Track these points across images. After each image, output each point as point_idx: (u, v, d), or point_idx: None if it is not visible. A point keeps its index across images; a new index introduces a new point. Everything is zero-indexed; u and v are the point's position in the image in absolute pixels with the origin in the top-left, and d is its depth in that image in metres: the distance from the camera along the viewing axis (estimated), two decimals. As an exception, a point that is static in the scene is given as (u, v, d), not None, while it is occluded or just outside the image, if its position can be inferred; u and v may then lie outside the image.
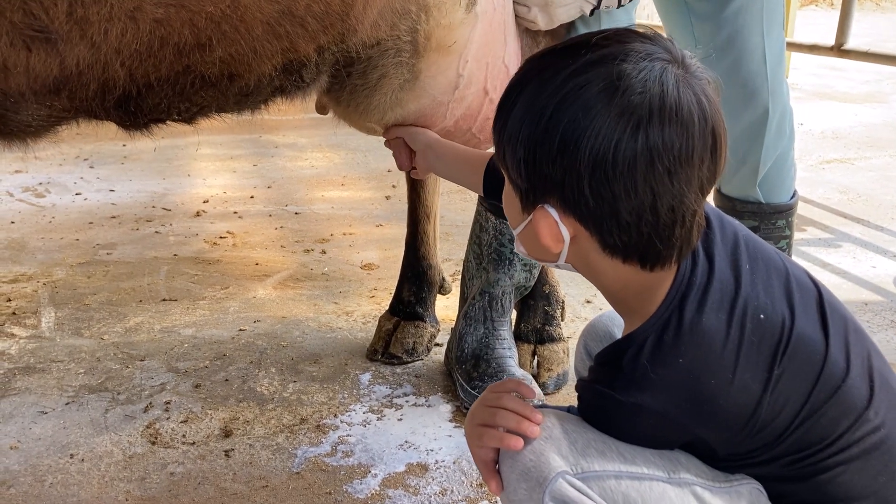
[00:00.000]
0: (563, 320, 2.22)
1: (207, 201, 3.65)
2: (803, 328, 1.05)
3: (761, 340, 1.03)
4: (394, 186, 3.91)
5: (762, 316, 1.04)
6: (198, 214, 3.47)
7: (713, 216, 1.12)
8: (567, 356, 2.15)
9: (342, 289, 2.72)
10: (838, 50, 4.02)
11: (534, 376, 2.09)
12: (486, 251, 2.03)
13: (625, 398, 1.04)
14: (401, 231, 3.28)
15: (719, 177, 1.02)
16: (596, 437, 1.06)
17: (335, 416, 1.97)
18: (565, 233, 1.04)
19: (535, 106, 1.01)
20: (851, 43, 4.04)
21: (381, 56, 1.49)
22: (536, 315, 2.18)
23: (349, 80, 1.52)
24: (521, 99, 1.04)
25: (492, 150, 1.25)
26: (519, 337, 2.17)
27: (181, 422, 1.94)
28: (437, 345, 2.30)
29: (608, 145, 0.96)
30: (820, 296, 1.10)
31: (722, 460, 1.09)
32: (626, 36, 1.02)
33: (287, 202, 3.67)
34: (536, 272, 2.07)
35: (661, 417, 1.03)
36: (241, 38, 1.23)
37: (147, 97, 1.26)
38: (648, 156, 0.95)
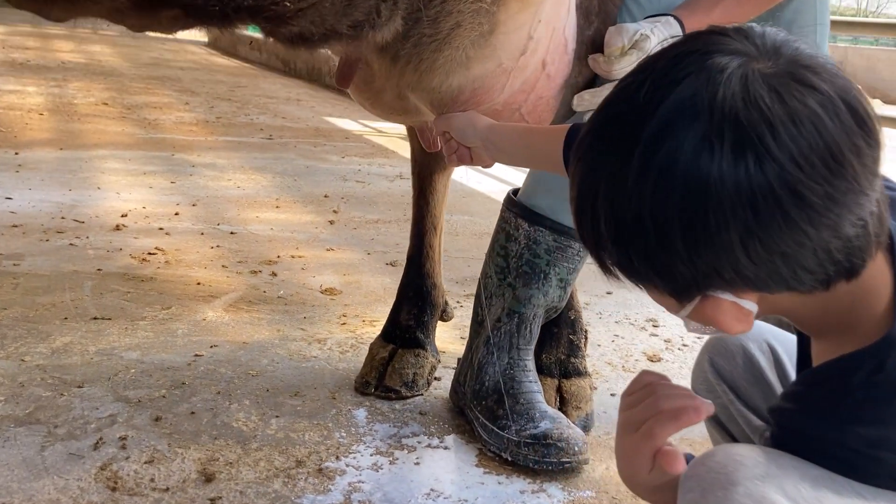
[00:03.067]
0: (585, 352, 1.95)
1: (126, 215, 3.20)
2: None
3: None
4: (335, 211, 3.57)
5: None
6: (117, 228, 3.02)
7: None
8: (592, 393, 1.88)
9: (305, 314, 2.36)
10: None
11: (560, 415, 1.80)
12: (515, 264, 1.74)
13: (863, 430, 0.80)
14: (356, 256, 2.97)
15: (882, 144, 0.77)
16: (822, 474, 0.81)
17: (337, 458, 1.61)
18: (750, 305, 0.80)
19: (625, 211, 0.77)
20: None
21: (458, 0, 1.21)
22: (560, 345, 1.90)
23: (417, 27, 1.22)
24: (602, 215, 0.79)
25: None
26: (540, 370, 1.88)
27: (145, 462, 1.53)
28: (436, 378, 1.98)
29: (742, 206, 0.72)
30: None
31: None
32: (683, 55, 0.78)
33: (218, 221, 3.27)
34: (570, 291, 1.80)
35: None
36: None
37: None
38: (792, 191, 0.72)
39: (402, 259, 2.92)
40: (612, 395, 2.02)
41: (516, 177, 4.61)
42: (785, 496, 0.77)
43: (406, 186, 4.29)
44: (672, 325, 2.55)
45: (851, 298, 0.82)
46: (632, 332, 2.46)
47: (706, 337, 2.48)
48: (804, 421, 0.84)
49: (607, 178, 0.78)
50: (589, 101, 1.49)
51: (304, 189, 3.96)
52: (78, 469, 1.49)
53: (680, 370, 2.22)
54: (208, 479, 1.49)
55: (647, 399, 0.87)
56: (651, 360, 2.27)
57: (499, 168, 4.70)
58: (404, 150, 5.25)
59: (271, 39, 1.09)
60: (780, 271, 0.75)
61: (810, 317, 0.86)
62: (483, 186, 4.29)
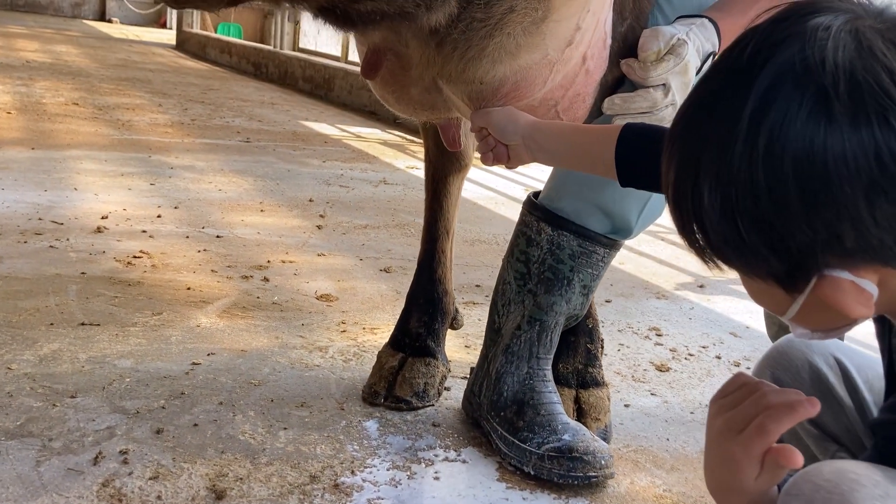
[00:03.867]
0: (602, 361, 1.88)
1: (107, 217, 3.08)
2: None
3: None
4: (322, 216, 3.48)
5: None
6: (99, 230, 2.90)
7: None
8: (611, 403, 1.82)
9: (304, 321, 2.27)
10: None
11: (578, 427, 1.73)
12: (537, 269, 1.66)
13: None
14: (348, 262, 2.88)
15: None
16: None
17: (353, 472, 1.53)
18: (870, 286, 0.74)
19: (734, 178, 0.72)
20: None
21: None
22: (578, 354, 1.83)
23: (467, 12, 1.15)
24: (706, 187, 0.74)
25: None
26: (557, 380, 1.80)
27: (150, 478, 1.43)
28: (446, 388, 1.90)
29: (867, 160, 0.68)
30: None
31: None
32: (781, 20, 0.75)
33: (203, 224, 3.16)
34: (591, 298, 1.73)
35: None
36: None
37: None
38: None
39: (396, 265, 2.86)
40: (626, 405, 1.96)
41: (502, 183, 4.56)
42: None
43: (391, 192, 4.22)
44: (676, 333, 2.51)
45: None
46: (636, 342, 2.41)
47: (712, 347, 2.42)
48: None
49: (713, 147, 0.73)
50: (620, 106, 1.42)
51: (288, 193, 3.86)
52: (78, 486, 1.39)
53: (689, 380, 2.17)
54: (219, 496, 1.40)
55: (752, 397, 0.80)
56: (660, 369, 2.22)
57: (483, 175, 4.64)
58: (386, 155, 5.17)
59: (320, 19, 1.01)
60: (892, 232, 0.70)
61: None
62: (470, 193, 4.22)
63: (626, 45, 1.48)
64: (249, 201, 3.63)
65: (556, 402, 1.68)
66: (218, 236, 3.02)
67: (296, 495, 1.43)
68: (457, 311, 1.97)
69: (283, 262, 2.79)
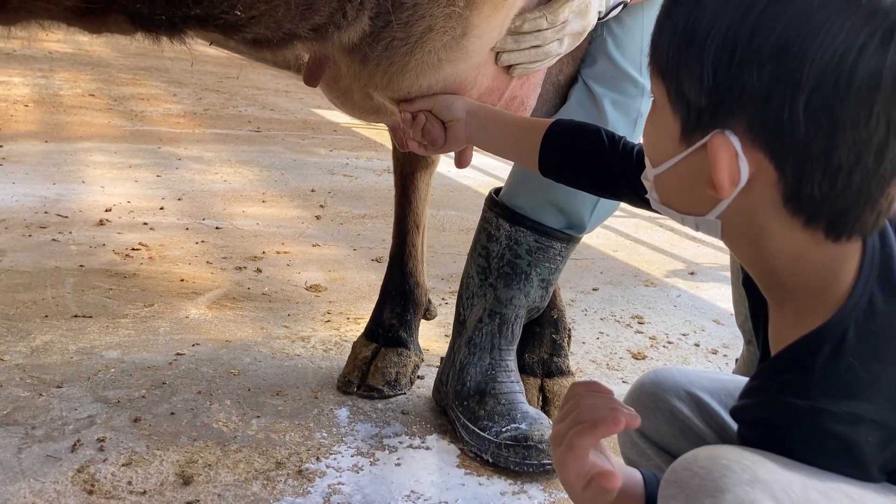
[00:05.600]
0: (569, 350, 1.94)
1: (110, 210, 3.18)
2: None
3: None
4: (321, 206, 3.56)
5: None
6: (101, 223, 3.00)
7: None
8: (576, 393, 1.87)
9: (290, 311, 2.35)
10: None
11: (542, 415, 1.80)
12: (497, 264, 1.73)
13: (834, 407, 0.77)
14: (341, 252, 2.95)
15: None
16: (808, 474, 0.78)
17: (318, 459, 1.61)
18: (744, 170, 0.78)
19: (733, 12, 0.76)
20: None
21: (430, 3, 1.19)
22: (543, 344, 1.89)
23: (387, 31, 1.20)
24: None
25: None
26: (523, 369, 1.87)
27: (123, 465, 1.52)
28: (419, 377, 1.97)
29: (847, 53, 0.72)
30: None
31: None
32: None
33: (203, 216, 3.25)
34: (552, 290, 1.79)
35: (878, 428, 0.78)
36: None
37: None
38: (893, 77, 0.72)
39: (388, 255, 2.93)
40: (596, 393, 2.02)
41: (504, 170, 4.60)
42: (775, 501, 0.74)
43: (393, 181, 4.28)
44: (658, 321, 2.55)
45: (820, 264, 0.81)
46: (617, 330, 2.46)
47: (692, 334, 2.46)
48: (771, 410, 0.82)
49: None
50: (511, 45, 1.38)
51: (291, 183, 3.94)
52: (55, 471, 1.48)
53: (664, 368, 2.22)
54: (186, 481, 1.48)
55: (572, 412, 0.86)
56: (636, 357, 2.27)
57: (486, 161, 4.69)
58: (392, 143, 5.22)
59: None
60: (810, 141, 0.74)
61: (776, 260, 0.83)
62: (470, 181, 4.28)
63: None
64: (252, 192, 3.71)
65: (518, 391, 1.74)
66: (217, 228, 3.10)
67: (260, 481, 1.51)
68: (429, 301, 2.04)
69: (278, 252, 2.88)
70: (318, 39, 1.10)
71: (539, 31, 1.35)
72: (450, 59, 1.21)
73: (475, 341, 1.75)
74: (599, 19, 1.45)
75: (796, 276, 0.83)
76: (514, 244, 1.71)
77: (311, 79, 1.41)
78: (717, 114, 0.78)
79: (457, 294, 1.84)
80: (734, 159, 0.78)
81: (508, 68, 1.39)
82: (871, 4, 0.72)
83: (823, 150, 0.74)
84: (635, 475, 0.89)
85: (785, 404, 0.80)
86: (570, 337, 1.95)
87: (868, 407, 0.78)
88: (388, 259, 2.87)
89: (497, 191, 1.77)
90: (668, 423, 1.07)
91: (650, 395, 1.09)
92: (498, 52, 1.37)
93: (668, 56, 0.81)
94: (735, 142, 0.77)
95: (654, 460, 1.10)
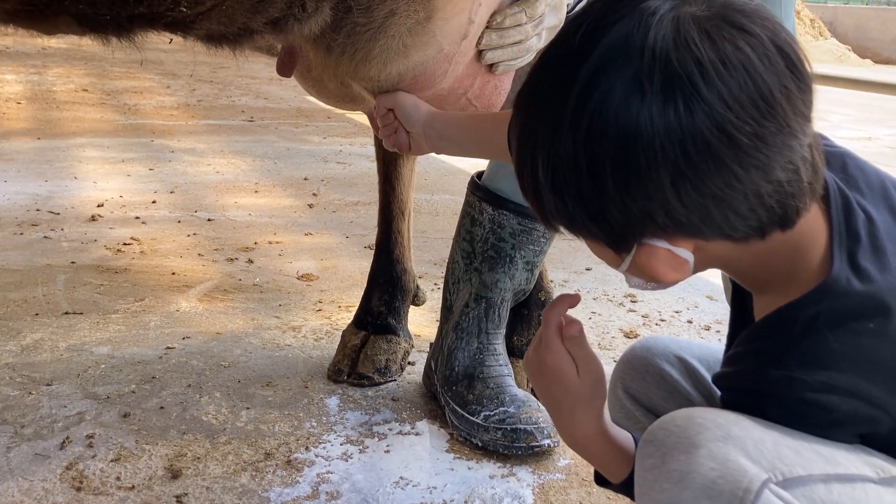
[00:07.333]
0: (558, 333, 1.93)
1: (102, 205, 3.18)
2: None
3: None
4: (314, 194, 3.55)
5: None
6: (93, 219, 3.00)
7: (847, 158, 0.90)
8: (566, 374, 1.87)
9: (281, 301, 2.35)
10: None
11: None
12: (481, 248, 1.72)
13: (808, 377, 0.80)
14: (334, 240, 2.95)
15: (813, 89, 0.78)
16: (782, 433, 0.81)
17: (307, 448, 1.61)
18: (685, 254, 0.80)
19: (561, 155, 0.77)
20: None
21: None
22: (531, 326, 1.89)
23: (349, 17, 1.19)
24: (539, 161, 0.79)
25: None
26: (512, 352, 1.87)
27: (112, 461, 1.52)
28: (409, 363, 1.97)
29: (672, 147, 0.72)
30: None
31: None
32: (604, 11, 0.78)
33: (196, 208, 3.25)
34: (537, 273, 1.78)
35: (850, 396, 0.81)
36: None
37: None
38: (721, 132, 0.72)
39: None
40: (587, 374, 2.02)
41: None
42: (747, 457, 0.77)
43: (388, 166, 4.27)
44: (650, 300, 2.55)
45: (788, 249, 0.82)
46: (609, 309, 2.46)
47: (685, 311, 2.46)
48: (749, 378, 0.84)
49: (545, 123, 0.78)
50: (496, 41, 1.38)
51: (284, 172, 3.93)
52: (43, 469, 1.48)
53: (657, 346, 2.22)
54: (175, 475, 1.49)
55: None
56: (628, 336, 2.26)
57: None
58: (387, 128, 5.20)
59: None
60: (712, 215, 0.75)
61: (749, 269, 0.86)
62: (465, 164, 4.26)
63: None
64: (245, 182, 3.71)
65: (507, 374, 1.74)
66: (209, 219, 3.10)
67: (248, 472, 1.52)
68: (418, 287, 2.04)
69: (270, 242, 2.87)
70: (277, 32, 1.09)
71: (520, 25, 1.35)
72: (416, 45, 1.20)
73: (462, 326, 1.75)
74: (567, 13, 1.45)
75: (769, 271, 0.85)
76: (498, 227, 1.70)
77: (283, 69, 1.40)
78: (626, 235, 0.79)
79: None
80: (670, 256, 0.80)
81: (491, 66, 1.38)
82: (656, 90, 0.72)
83: (725, 213, 0.75)
84: (627, 436, 0.94)
85: (761, 373, 0.83)
86: (558, 318, 1.94)
87: (840, 377, 0.80)
88: (379, 246, 2.89)
89: (479, 174, 1.76)
90: (657, 385, 1.09)
91: (640, 359, 1.11)
92: (482, 51, 1.37)
93: (557, 218, 0.82)
94: (660, 243, 0.79)
95: (642, 423, 1.12)
